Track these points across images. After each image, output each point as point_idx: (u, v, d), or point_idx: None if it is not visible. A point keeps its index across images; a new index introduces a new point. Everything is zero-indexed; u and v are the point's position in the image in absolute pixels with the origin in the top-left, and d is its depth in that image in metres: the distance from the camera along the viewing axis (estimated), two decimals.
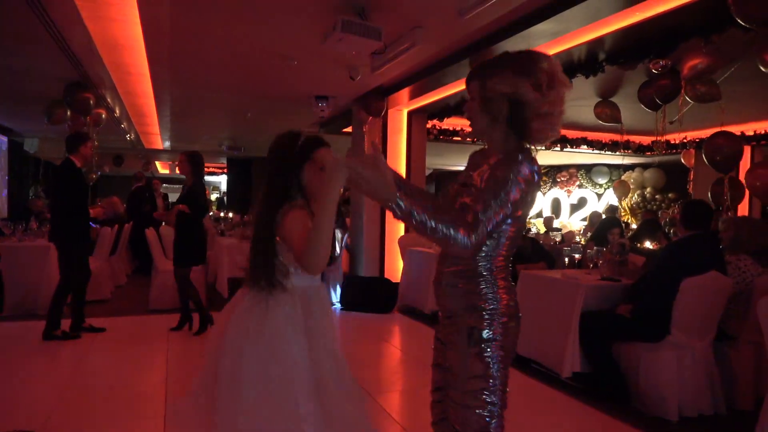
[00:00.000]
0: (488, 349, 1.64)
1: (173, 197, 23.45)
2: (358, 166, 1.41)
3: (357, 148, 6.80)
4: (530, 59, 1.60)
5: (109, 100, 7.46)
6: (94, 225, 5.72)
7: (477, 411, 1.61)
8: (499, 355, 1.64)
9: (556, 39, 4.43)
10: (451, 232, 1.44)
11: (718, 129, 5.70)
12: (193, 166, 4.92)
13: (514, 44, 4.54)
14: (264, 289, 1.75)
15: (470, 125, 1.74)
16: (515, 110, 1.58)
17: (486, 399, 1.62)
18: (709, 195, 6.05)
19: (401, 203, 1.42)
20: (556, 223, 12.19)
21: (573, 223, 13.73)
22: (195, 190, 4.96)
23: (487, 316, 1.66)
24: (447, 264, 1.70)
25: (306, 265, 1.63)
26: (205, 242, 5.17)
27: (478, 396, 1.62)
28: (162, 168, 19.09)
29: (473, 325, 1.65)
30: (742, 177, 6.05)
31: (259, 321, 1.74)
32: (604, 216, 9.35)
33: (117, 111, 8.30)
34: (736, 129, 7.86)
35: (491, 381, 1.62)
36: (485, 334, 1.65)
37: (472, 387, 1.62)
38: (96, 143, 8.94)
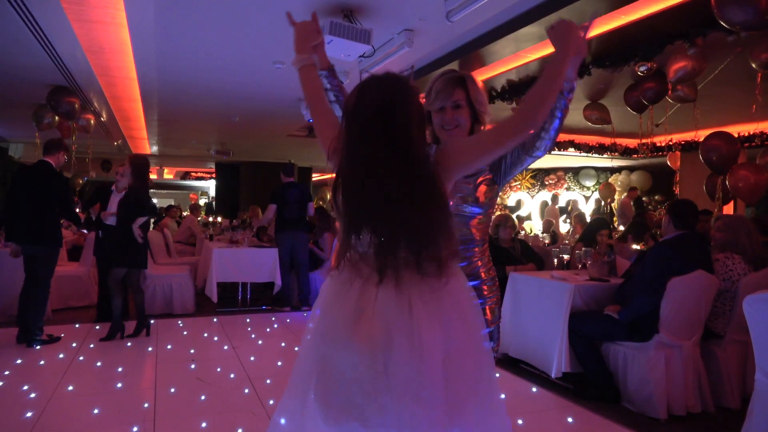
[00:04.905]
0: (497, 324, 1.85)
1: (163, 203, 23.28)
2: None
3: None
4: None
5: (95, 104, 7.40)
6: (85, 230, 5.66)
7: None
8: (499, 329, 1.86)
9: (543, 42, 4.48)
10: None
11: (703, 131, 5.80)
12: (133, 168, 5.00)
13: (502, 47, 4.58)
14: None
15: (451, 130, 1.84)
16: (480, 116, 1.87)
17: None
18: (704, 188, 6.11)
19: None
20: (539, 224, 12.35)
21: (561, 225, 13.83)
22: (130, 194, 4.98)
23: (492, 291, 1.85)
24: None
25: (529, 120, 1.41)
26: (135, 247, 4.96)
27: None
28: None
29: (486, 302, 1.82)
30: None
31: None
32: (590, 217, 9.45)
33: (104, 115, 8.24)
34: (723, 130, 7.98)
35: (496, 353, 1.83)
36: (497, 309, 1.86)
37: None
38: (90, 149, 8.93)
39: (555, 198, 13.46)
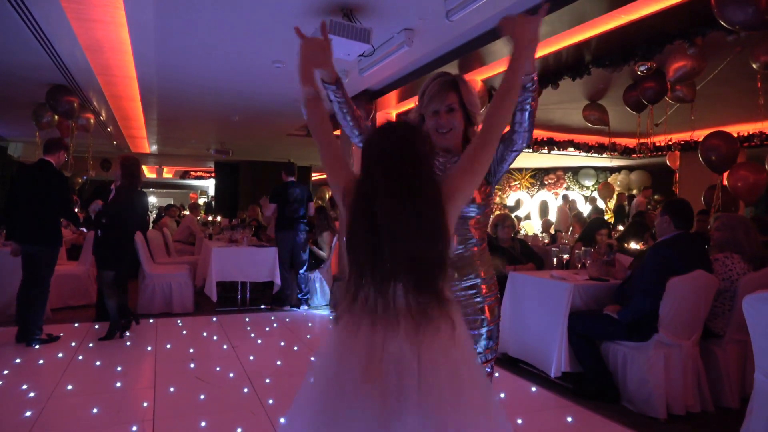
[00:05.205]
0: (496, 323, 1.85)
1: (162, 202, 23.25)
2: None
3: (347, 148, 6.80)
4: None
5: (95, 103, 7.40)
6: (84, 229, 5.67)
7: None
8: (499, 326, 1.88)
9: (543, 41, 4.47)
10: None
11: (700, 131, 5.80)
12: (123, 169, 4.99)
13: (502, 46, 4.57)
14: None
15: (446, 133, 1.86)
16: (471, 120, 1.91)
17: (489, 371, 1.84)
18: (702, 199, 6.12)
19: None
20: (539, 224, 12.35)
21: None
22: (120, 195, 4.98)
23: (491, 289, 1.85)
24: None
25: (495, 123, 1.51)
26: (123, 249, 5.02)
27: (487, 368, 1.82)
28: (149, 172, 18.97)
29: (485, 300, 1.83)
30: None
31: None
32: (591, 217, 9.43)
33: (103, 114, 8.23)
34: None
35: (495, 351, 1.86)
36: (497, 308, 1.86)
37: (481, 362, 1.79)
38: (90, 148, 8.93)
39: (566, 198, 13.42)
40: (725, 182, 5.40)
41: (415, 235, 1.33)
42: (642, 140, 8.82)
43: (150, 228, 8.56)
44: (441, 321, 1.37)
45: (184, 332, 5.24)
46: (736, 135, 8.33)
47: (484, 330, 1.81)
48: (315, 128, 1.63)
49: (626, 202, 12.07)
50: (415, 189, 1.35)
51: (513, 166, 16.11)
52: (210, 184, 21.04)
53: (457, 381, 1.34)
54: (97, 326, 5.30)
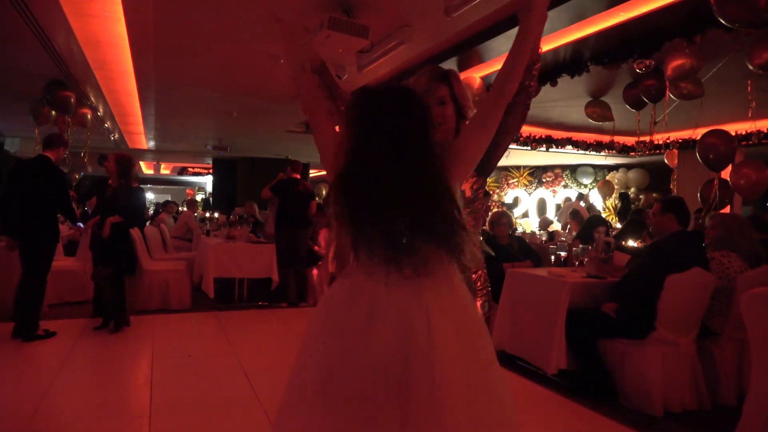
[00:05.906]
0: (488, 318, 1.89)
1: (159, 198, 23.19)
2: None
3: None
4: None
5: (92, 98, 7.36)
6: (80, 224, 5.65)
7: None
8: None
9: (541, 38, 4.45)
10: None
11: (700, 129, 5.78)
12: (119, 167, 4.99)
13: (500, 43, 4.56)
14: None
15: (437, 126, 1.84)
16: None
17: None
18: (699, 196, 6.12)
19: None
20: (536, 223, 12.33)
21: (557, 223, 13.84)
22: (117, 193, 4.99)
23: (482, 284, 1.88)
24: None
25: (506, 82, 1.48)
26: (120, 245, 5.06)
27: None
28: (146, 168, 18.92)
29: (476, 295, 1.85)
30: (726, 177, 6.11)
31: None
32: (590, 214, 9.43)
33: (101, 110, 8.20)
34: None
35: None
36: (487, 304, 1.89)
37: None
38: (88, 145, 8.89)
39: (581, 196, 13.36)
40: (726, 179, 5.39)
41: (417, 200, 1.30)
42: (641, 138, 8.80)
43: (147, 224, 8.55)
44: (448, 283, 1.37)
45: (182, 328, 5.23)
46: (734, 134, 8.34)
47: None
48: (306, 98, 1.65)
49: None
50: (413, 154, 1.33)
51: (511, 163, 15.96)
52: (208, 181, 21.00)
53: (465, 347, 1.35)
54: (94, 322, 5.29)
